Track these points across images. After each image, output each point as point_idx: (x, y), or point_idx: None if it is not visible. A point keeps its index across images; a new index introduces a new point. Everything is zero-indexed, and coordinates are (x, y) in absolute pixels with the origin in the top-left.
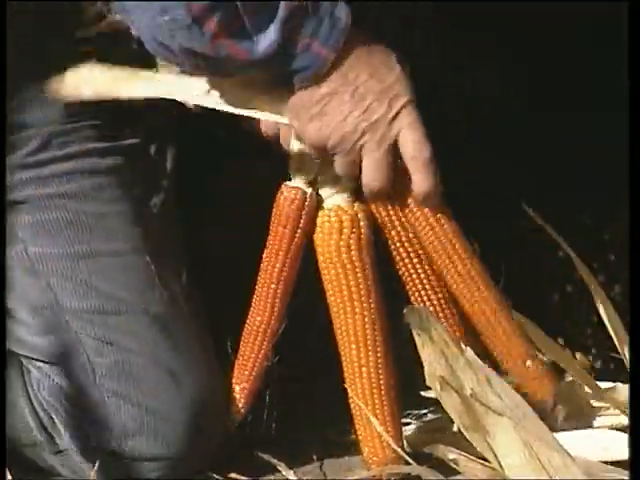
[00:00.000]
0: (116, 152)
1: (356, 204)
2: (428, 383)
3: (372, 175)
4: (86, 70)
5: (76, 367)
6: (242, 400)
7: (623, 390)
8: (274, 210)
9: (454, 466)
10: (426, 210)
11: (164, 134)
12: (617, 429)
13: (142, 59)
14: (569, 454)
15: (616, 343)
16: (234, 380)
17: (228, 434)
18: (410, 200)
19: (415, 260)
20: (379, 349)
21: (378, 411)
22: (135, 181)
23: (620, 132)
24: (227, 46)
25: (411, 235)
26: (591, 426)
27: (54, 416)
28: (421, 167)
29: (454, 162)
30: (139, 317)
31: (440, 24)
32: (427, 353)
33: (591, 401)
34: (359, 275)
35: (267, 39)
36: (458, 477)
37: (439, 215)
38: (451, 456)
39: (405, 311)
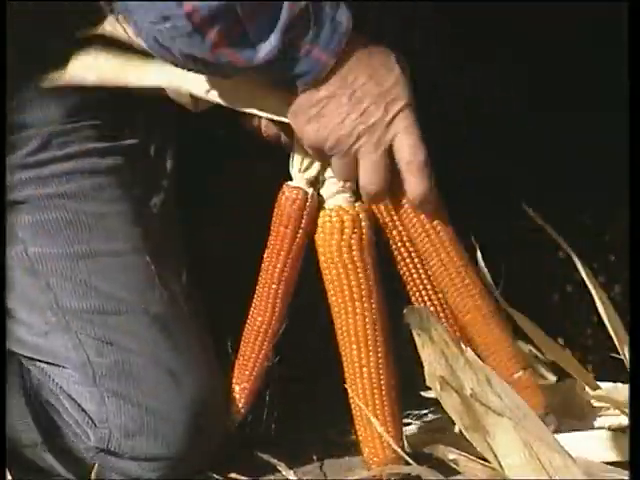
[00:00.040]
0: (116, 152)
1: (357, 204)
2: (428, 383)
3: (369, 178)
4: (91, 57)
5: (76, 367)
6: (242, 400)
7: (623, 390)
8: (275, 210)
9: (454, 466)
10: (422, 216)
11: (164, 134)
12: (617, 429)
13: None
14: (569, 454)
15: (616, 343)
16: (234, 380)
17: (228, 434)
18: (407, 203)
19: (416, 260)
20: (380, 349)
21: (379, 411)
22: (135, 181)
23: (620, 132)
24: (227, 54)
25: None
26: (591, 426)
27: (54, 416)
28: (416, 171)
29: (454, 162)
30: (139, 317)
31: (440, 24)
32: (427, 353)
33: (591, 401)
34: (360, 275)
35: (268, 46)
36: (458, 477)
37: (435, 222)
38: (451, 456)
39: (405, 311)
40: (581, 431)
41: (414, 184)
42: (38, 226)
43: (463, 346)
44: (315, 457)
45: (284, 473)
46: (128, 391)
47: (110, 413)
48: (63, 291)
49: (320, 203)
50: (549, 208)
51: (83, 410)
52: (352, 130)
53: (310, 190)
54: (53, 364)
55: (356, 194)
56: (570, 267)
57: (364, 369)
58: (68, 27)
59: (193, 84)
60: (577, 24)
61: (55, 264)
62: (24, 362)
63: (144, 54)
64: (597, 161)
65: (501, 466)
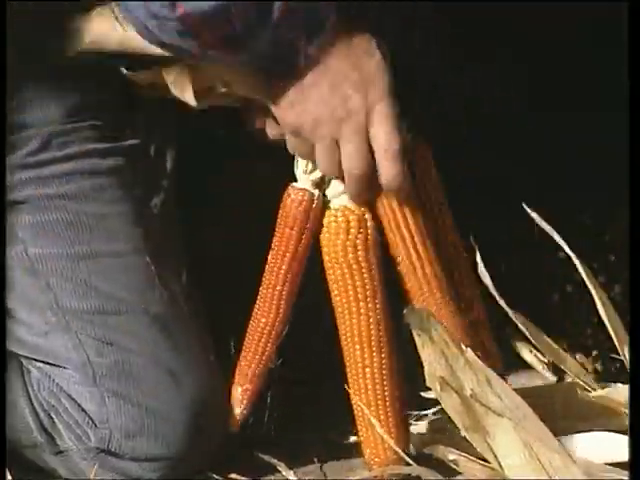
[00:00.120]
0: (116, 153)
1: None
2: (428, 384)
3: (353, 162)
4: (111, 23)
5: (76, 367)
6: (244, 402)
7: (623, 391)
8: (280, 212)
9: (454, 467)
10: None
11: (164, 134)
12: (617, 430)
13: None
14: (569, 455)
15: (616, 344)
16: (236, 381)
17: (229, 435)
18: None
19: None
20: (384, 350)
21: (381, 412)
22: (136, 182)
23: (620, 132)
24: (216, 52)
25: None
26: (591, 427)
27: (54, 417)
28: (390, 158)
29: (454, 162)
30: (139, 317)
31: (440, 24)
32: (427, 353)
33: (591, 402)
34: (365, 275)
35: (257, 45)
36: (458, 477)
37: (406, 212)
38: (451, 457)
39: (405, 311)
40: (581, 432)
41: (387, 168)
42: (38, 226)
43: (463, 347)
44: (316, 457)
45: (284, 473)
46: (128, 391)
47: (110, 413)
48: (63, 291)
49: (325, 204)
50: (549, 208)
51: (83, 410)
52: (332, 114)
53: (316, 192)
54: (53, 364)
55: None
56: (570, 267)
57: (367, 369)
58: (68, 27)
59: None
60: (577, 24)
61: (55, 264)
62: (24, 362)
63: None
64: (597, 161)
65: (501, 466)
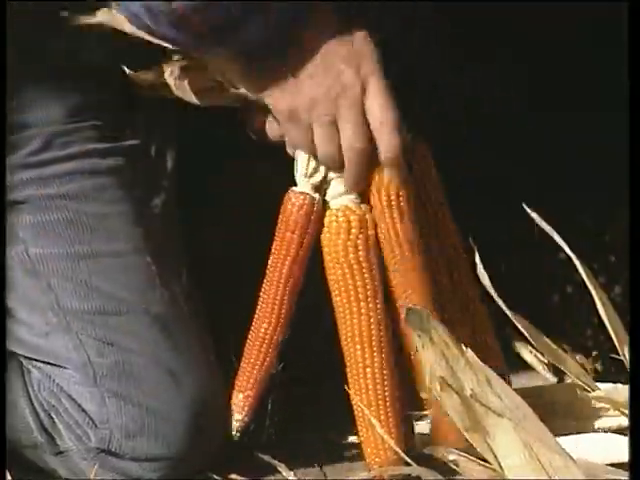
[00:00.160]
0: (116, 153)
1: (363, 205)
2: (428, 384)
3: (352, 137)
4: None
5: (77, 368)
6: (245, 409)
7: (623, 391)
8: (281, 216)
9: (454, 467)
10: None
11: (164, 134)
12: (617, 430)
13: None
14: (569, 455)
15: (616, 344)
16: (237, 387)
17: (229, 439)
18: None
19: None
20: (384, 350)
21: (382, 412)
22: (136, 182)
23: (620, 132)
24: (207, 42)
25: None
26: (591, 427)
27: (54, 417)
28: (387, 129)
29: (454, 162)
30: (140, 317)
31: (440, 24)
32: (427, 354)
33: (591, 402)
34: (366, 275)
35: (252, 35)
36: (458, 478)
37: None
38: (451, 457)
39: (405, 312)
40: (581, 432)
41: (387, 141)
42: (39, 226)
43: (463, 347)
44: (316, 458)
45: (284, 474)
46: (129, 391)
47: (111, 414)
48: (64, 292)
49: (325, 204)
50: (549, 208)
51: (84, 410)
52: (328, 92)
53: (316, 195)
54: (54, 364)
55: (362, 195)
56: (570, 268)
57: (368, 369)
58: (68, 27)
59: None
60: (577, 24)
61: (56, 264)
62: (24, 362)
63: None
64: (597, 161)
65: (501, 467)
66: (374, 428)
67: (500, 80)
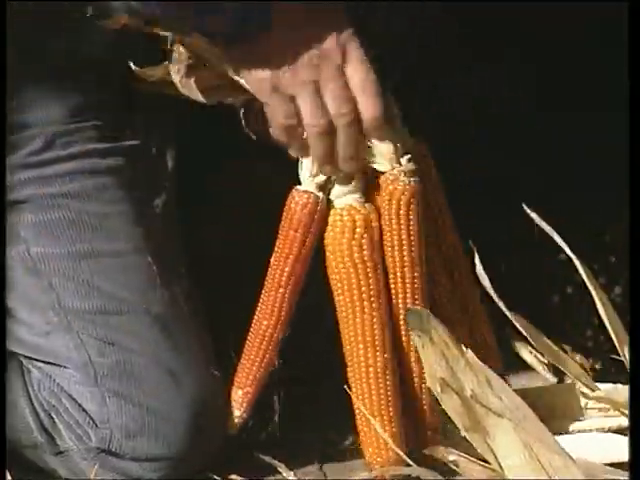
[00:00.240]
0: (116, 153)
1: (367, 205)
2: (428, 385)
3: (337, 102)
4: None
5: (77, 367)
6: (244, 405)
7: (623, 391)
8: (284, 214)
9: (454, 467)
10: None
11: (164, 134)
12: (617, 431)
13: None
14: (569, 455)
15: (616, 344)
16: (237, 384)
17: (228, 436)
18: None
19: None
20: (387, 350)
21: (384, 412)
22: (136, 182)
23: (620, 132)
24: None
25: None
26: (591, 428)
27: (55, 417)
28: (368, 94)
29: (461, 162)
30: (140, 317)
31: (448, 24)
32: (427, 354)
33: (591, 403)
34: (370, 275)
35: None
36: (458, 478)
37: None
38: (451, 457)
39: (405, 313)
40: (581, 432)
41: (369, 105)
42: (41, 226)
43: (463, 347)
44: (315, 458)
45: (284, 474)
46: (129, 391)
47: (111, 413)
48: (65, 291)
49: (329, 203)
50: (550, 208)
51: (84, 410)
52: (309, 59)
53: (320, 194)
54: (54, 364)
55: (366, 195)
56: (570, 268)
57: (370, 369)
58: (68, 27)
59: None
60: (585, 24)
61: (57, 264)
62: (24, 362)
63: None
64: (597, 161)
65: (501, 467)
66: (374, 428)
67: (508, 80)
